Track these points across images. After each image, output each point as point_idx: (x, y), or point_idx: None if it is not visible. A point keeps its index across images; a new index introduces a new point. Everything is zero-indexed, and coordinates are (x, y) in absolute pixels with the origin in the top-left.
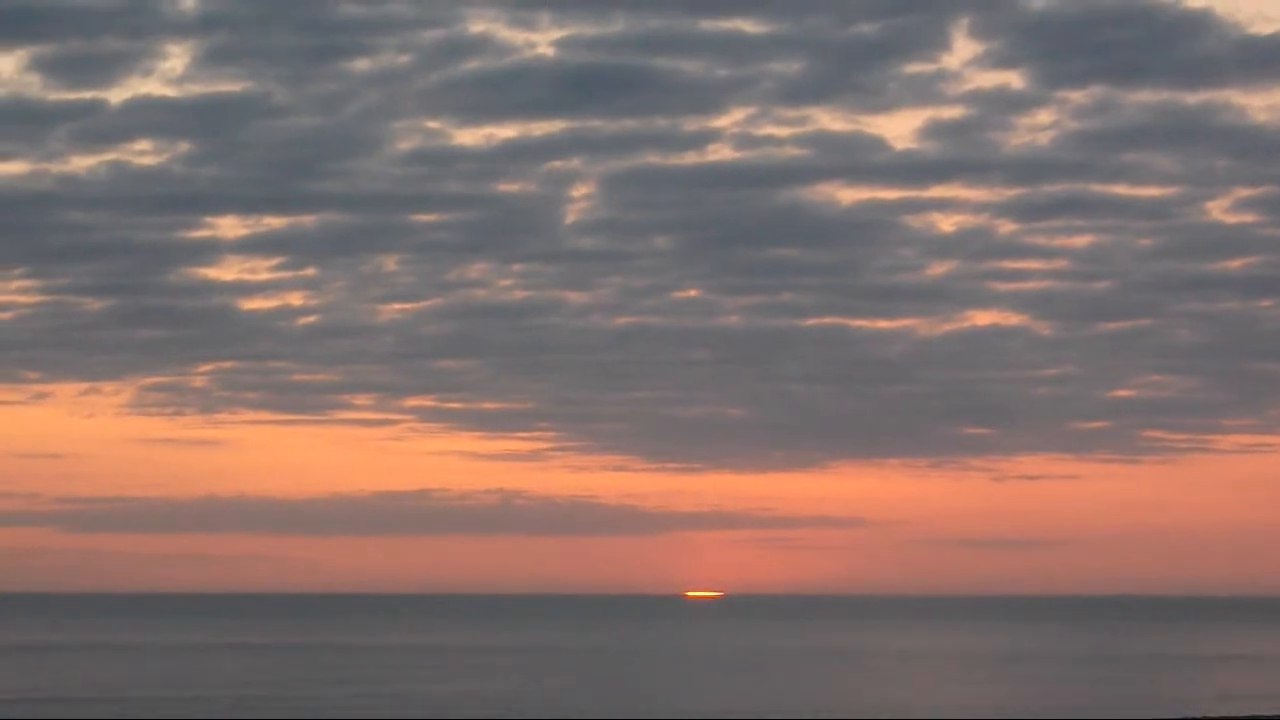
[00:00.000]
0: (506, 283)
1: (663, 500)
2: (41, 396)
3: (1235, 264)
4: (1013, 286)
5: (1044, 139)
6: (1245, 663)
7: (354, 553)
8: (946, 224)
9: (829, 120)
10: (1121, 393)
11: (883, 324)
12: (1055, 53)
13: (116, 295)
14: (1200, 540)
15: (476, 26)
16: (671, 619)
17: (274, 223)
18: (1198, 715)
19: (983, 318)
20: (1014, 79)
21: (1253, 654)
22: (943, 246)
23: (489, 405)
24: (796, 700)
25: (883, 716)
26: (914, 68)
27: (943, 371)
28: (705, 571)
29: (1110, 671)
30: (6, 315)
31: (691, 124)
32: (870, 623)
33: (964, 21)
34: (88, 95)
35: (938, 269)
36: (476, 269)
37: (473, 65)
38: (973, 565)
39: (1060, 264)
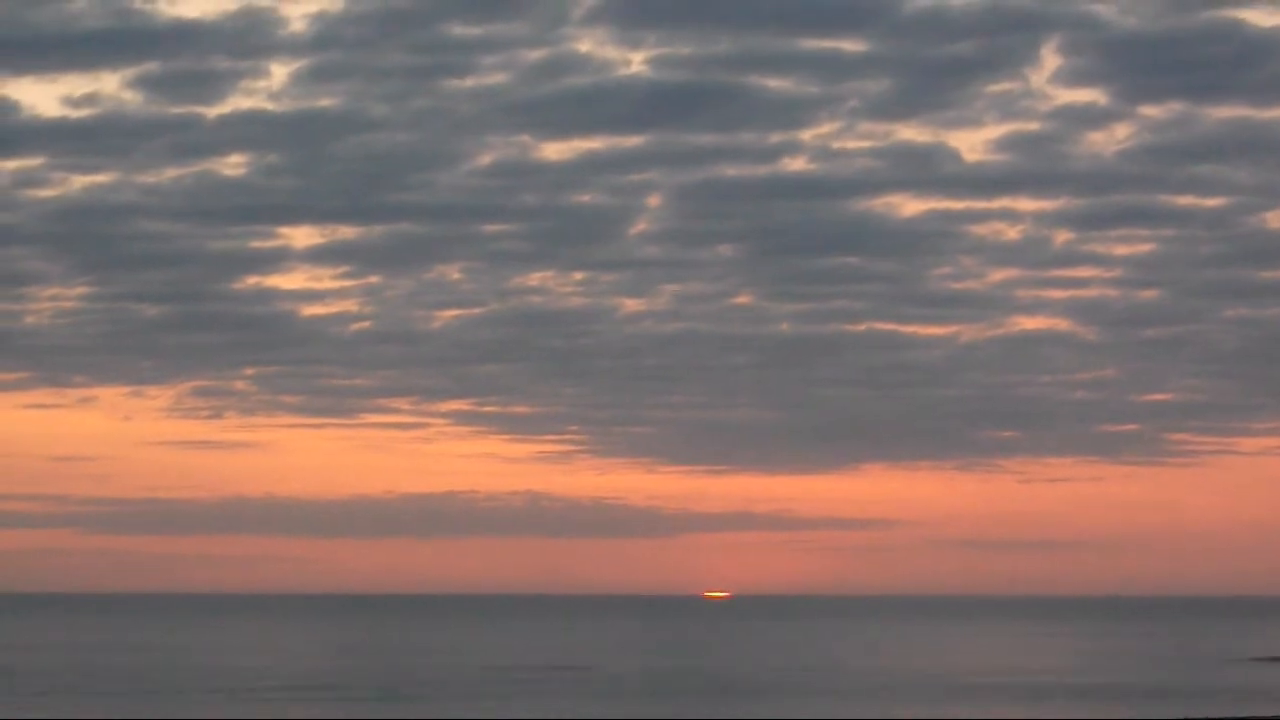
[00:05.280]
0: (565, 290)
1: (688, 502)
2: (86, 401)
3: None
4: (1067, 294)
5: (1119, 152)
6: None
7: (378, 554)
8: (1011, 233)
9: (912, 135)
10: (1156, 396)
11: (933, 330)
12: (1140, 70)
13: (175, 302)
14: (1218, 541)
15: (583, 46)
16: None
17: (347, 233)
18: (1198, 715)
19: (1031, 323)
20: (1098, 96)
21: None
22: (1004, 255)
23: (521, 409)
24: None
25: None
26: (1002, 85)
27: (981, 376)
28: (727, 572)
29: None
30: (63, 321)
31: (775, 139)
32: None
33: (1054, 40)
34: (187, 110)
35: (997, 277)
36: (537, 277)
37: (566, 83)
38: (994, 566)
39: (1117, 272)
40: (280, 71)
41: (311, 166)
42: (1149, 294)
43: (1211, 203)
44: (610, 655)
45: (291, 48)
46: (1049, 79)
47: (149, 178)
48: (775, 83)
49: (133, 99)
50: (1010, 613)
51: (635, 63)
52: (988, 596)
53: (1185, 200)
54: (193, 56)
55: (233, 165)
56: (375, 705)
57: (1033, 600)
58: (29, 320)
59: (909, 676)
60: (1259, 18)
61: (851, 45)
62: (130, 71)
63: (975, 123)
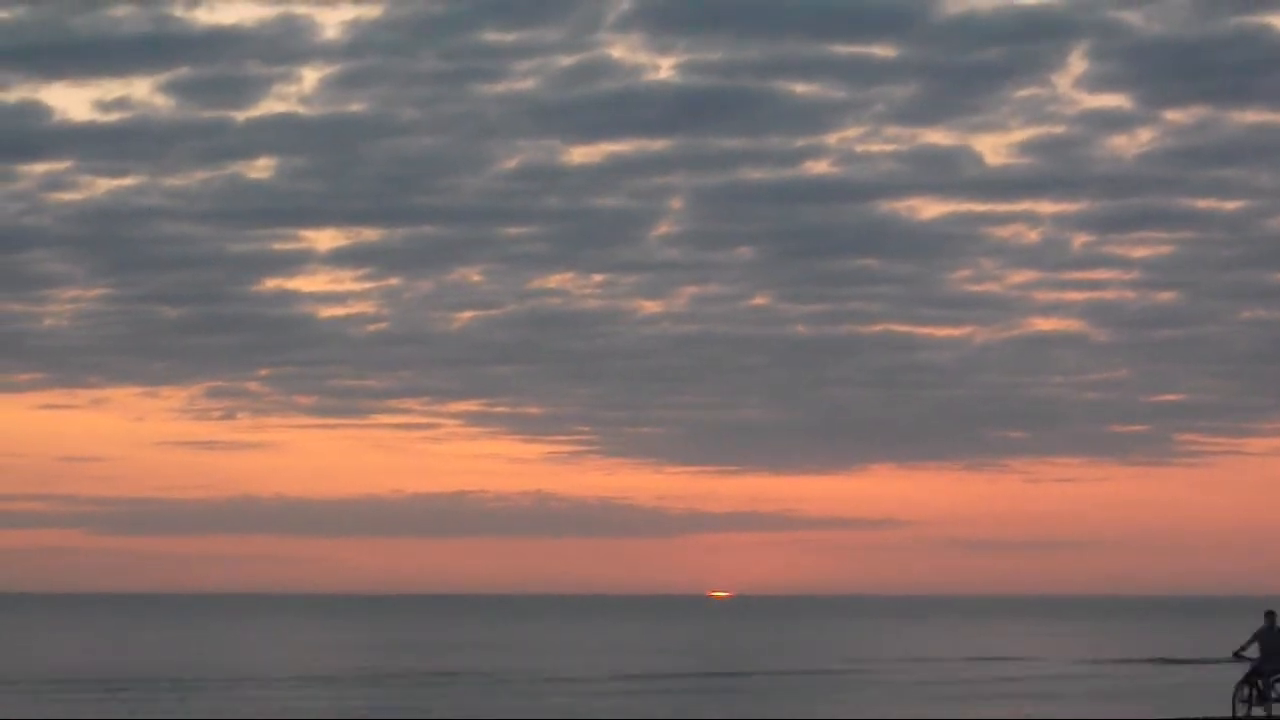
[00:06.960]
0: (584, 292)
1: (695, 502)
2: (99, 402)
3: None
4: (1084, 296)
5: (1139, 156)
6: None
7: (386, 554)
8: (1031, 235)
9: (937, 139)
10: (1166, 397)
11: (948, 331)
12: (1165, 75)
13: (194, 304)
14: (1225, 541)
15: (616, 51)
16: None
17: (370, 236)
18: (1197, 715)
19: (1045, 325)
20: (1123, 101)
21: None
22: (1023, 258)
23: (532, 409)
24: None
25: None
26: (1028, 90)
27: (993, 377)
28: (731, 572)
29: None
30: (81, 323)
31: (799, 142)
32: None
33: (1081, 46)
34: (217, 114)
35: (1015, 279)
36: (556, 279)
37: (597, 87)
38: (1000, 566)
39: (1135, 274)
40: (312, 76)
41: (338, 170)
42: (1166, 296)
43: (1231, 206)
44: (610, 655)
45: (325, 53)
46: (1074, 84)
47: (176, 181)
48: (802, 88)
49: (164, 103)
50: (1024, 612)
51: (665, 68)
52: (994, 596)
53: (1205, 203)
54: (226, 62)
55: (260, 169)
56: (374, 702)
57: (1040, 600)
58: (48, 322)
59: (918, 675)
60: None
61: (881, 50)
62: (163, 76)
63: (1000, 127)
